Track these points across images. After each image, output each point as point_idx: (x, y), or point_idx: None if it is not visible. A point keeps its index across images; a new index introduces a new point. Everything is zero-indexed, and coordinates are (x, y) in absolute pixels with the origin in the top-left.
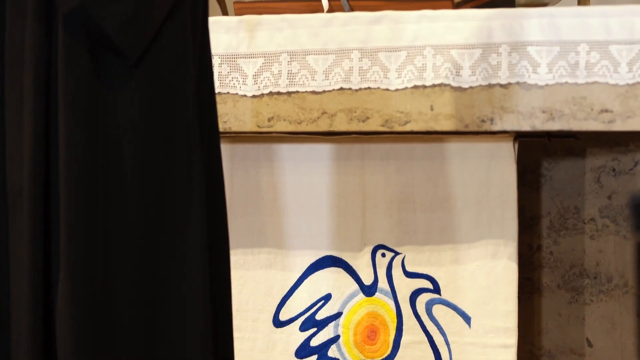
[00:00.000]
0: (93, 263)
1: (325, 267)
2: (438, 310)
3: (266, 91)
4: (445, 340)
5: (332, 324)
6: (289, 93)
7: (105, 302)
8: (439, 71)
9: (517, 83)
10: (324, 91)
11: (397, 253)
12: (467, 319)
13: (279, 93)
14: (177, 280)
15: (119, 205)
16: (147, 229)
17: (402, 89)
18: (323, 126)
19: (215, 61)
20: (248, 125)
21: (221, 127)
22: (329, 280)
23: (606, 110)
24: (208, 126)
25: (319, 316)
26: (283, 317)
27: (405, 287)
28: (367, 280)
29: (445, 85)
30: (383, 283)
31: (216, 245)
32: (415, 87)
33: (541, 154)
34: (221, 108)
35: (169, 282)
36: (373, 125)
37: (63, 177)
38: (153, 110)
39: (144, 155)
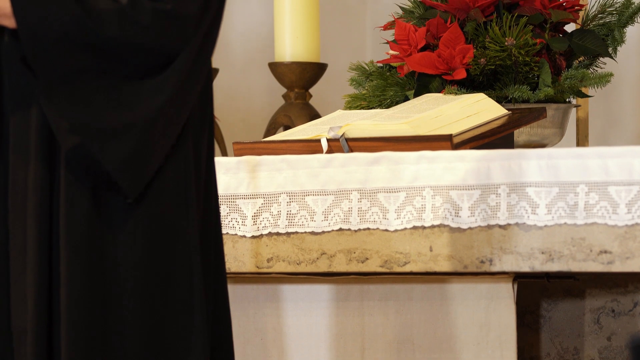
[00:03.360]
0: None
1: None
2: None
3: (265, 232)
4: None
5: None
6: (288, 234)
7: None
8: (438, 212)
9: (516, 224)
10: (323, 232)
11: None
12: None
13: (278, 234)
14: None
15: (119, 347)
16: None
17: (402, 230)
18: (322, 267)
19: None
20: (247, 265)
21: None
22: None
23: (605, 252)
24: (213, 268)
25: None
26: None
27: None
28: None
29: (445, 226)
30: None
31: None
32: (415, 227)
33: (540, 294)
34: None
35: None
36: (372, 266)
37: (64, 319)
38: (154, 250)
39: (144, 297)
